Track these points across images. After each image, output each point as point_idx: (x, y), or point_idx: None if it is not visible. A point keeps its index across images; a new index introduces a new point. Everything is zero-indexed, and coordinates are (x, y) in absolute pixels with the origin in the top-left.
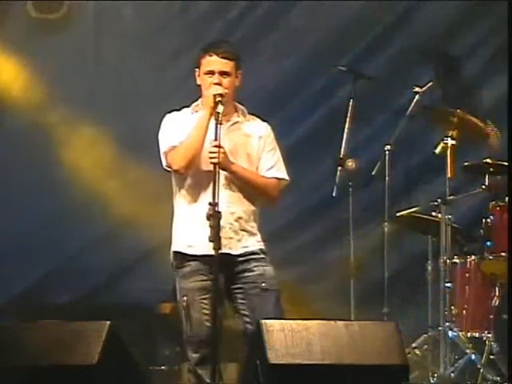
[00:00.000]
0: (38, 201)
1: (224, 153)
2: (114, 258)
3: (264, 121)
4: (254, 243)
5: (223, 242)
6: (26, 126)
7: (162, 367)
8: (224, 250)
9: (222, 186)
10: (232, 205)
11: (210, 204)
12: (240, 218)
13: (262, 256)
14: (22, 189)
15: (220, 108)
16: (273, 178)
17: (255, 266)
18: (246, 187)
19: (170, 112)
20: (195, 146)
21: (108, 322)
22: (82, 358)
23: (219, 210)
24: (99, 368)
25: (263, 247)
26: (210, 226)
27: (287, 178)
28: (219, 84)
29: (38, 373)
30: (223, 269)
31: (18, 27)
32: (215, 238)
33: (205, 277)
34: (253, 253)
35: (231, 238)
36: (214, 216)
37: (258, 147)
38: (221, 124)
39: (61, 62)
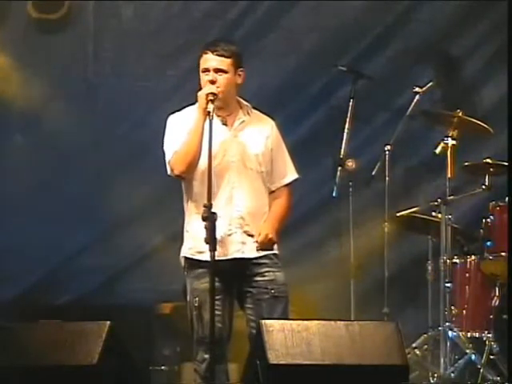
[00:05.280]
0: (37, 200)
1: (270, 239)
2: (113, 258)
3: (267, 115)
4: None
5: (236, 246)
6: (26, 125)
7: (162, 367)
8: (237, 255)
9: (233, 190)
10: (243, 209)
11: (204, 206)
12: (252, 221)
13: (275, 261)
14: (22, 189)
15: (210, 107)
16: (288, 184)
17: (267, 272)
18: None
19: (173, 113)
20: (193, 150)
21: (108, 322)
22: (82, 358)
23: (227, 212)
24: (99, 368)
25: (277, 252)
26: (206, 228)
27: (297, 175)
28: (213, 82)
29: (38, 373)
30: (236, 273)
31: (18, 27)
32: (210, 240)
33: (217, 278)
34: (266, 257)
35: (243, 242)
36: (209, 217)
37: (265, 147)
38: (226, 125)
39: (61, 61)
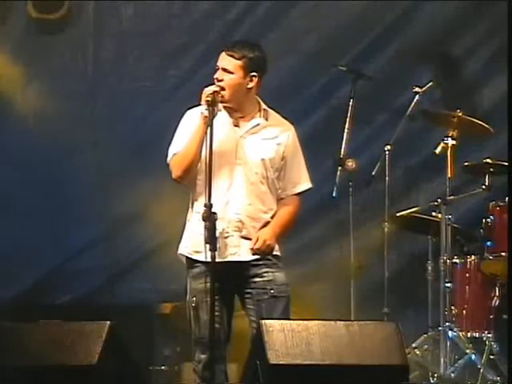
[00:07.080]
0: (38, 201)
1: (268, 245)
2: (114, 258)
3: (286, 119)
4: None
5: (232, 250)
6: (26, 125)
7: (162, 367)
8: (233, 258)
9: (234, 192)
10: (243, 212)
11: (205, 206)
12: (251, 226)
13: (274, 262)
14: (21, 189)
15: (210, 109)
16: (300, 193)
17: (265, 272)
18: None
19: (191, 107)
20: (190, 155)
21: (108, 322)
22: (82, 358)
23: (226, 214)
24: (99, 368)
25: (277, 253)
26: (205, 228)
27: (310, 185)
28: (218, 80)
29: (38, 373)
30: (234, 274)
31: (18, 27)
32: (210, 240)
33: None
34: (265, 258)
35: (239, 246)
36: (209, 217)
37: (276, 154)
38: (238, 127)
39: (61, 61)
